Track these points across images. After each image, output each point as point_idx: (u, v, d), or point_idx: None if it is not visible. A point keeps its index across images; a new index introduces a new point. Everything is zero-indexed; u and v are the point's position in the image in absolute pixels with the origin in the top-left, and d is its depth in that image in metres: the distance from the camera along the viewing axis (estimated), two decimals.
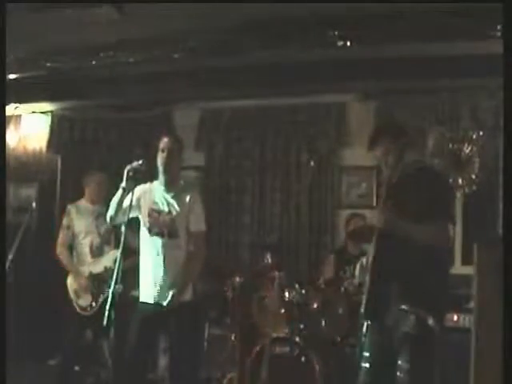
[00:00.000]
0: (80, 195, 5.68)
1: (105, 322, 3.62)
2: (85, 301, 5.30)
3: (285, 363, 4.91)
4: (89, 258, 5.39)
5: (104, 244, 5.41)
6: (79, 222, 5.44)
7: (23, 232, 5.04)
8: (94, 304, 5.26)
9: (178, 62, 5.61)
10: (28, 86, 6.08)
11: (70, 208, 5.53)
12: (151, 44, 5.55)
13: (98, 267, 5.33)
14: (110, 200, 4.38)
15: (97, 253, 5.39)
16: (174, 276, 4.25)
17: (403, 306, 3.29)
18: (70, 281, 5.38)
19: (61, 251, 5.44)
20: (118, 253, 4.87)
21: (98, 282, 5.30)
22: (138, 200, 4.33)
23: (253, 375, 4.97)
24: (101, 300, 5.21)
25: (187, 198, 4.32)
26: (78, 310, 5.32)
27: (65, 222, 5.49)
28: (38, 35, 5.26)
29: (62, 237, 5.48)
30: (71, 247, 5.46)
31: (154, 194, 4.38)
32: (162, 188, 4.36)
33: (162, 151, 4.29)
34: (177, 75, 6.07)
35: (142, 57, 5.64)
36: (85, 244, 5.40)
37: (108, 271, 5.20)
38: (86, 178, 5.64)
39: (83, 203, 5.56)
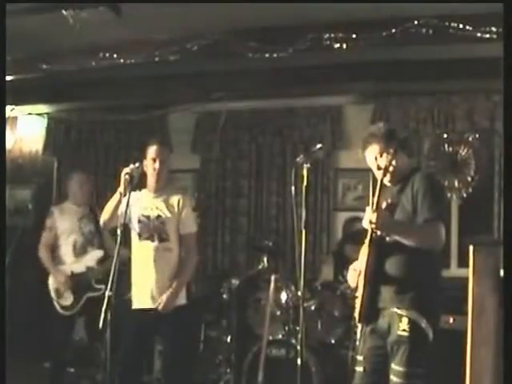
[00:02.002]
0: (64, 198, 5.71)
1: (100, 325, 3.62)
2: (66, 300, 5.30)
3: (281, 366, 4.91)
4: (71, 258, 5.39)
5: (87, 244, 5.41)
6: (63, 222, 5.44)
7: (19, 234, 5.05)
8: (75, 304, 5.27)
9: (175, 64, 5.61)
10: (24, 87, 6.07)
11: (53, 209, 5.55)
12: (148, 46, 5.55)
13: (79, 267, 5.33)
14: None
15: (80, 252, 5.39)
16: (167, 279, 4.25)
17: (396, 309, 3.29)
18: (50, 280, 5.38)
19: (41, 252, 5.44)
20: (100, 254, 5.22)
21: (79, 281, 5.29)
22: (130, 206, 4.33)
23: (249, 377, 4.97)
24: (83, 299, 5.23)
25: (176, 202, 4.34)
26: (58, 309, 5.32)
27: (47, 223, 5.50)
28: (34, 37, 5.26)
29: (43, 238, 5.48)
30: (53, 248, 5.46)
31: (144, 199, 4.39)
32: (152, 194, 4.38)
33: (153, 160, 4.30)
34: (173, 77, 6.07)
35: (139, 59, 5.64)
36: (68, 243, 5.40)
37: (89, 271, 5.28)
38: (69, 179, 5.65)
39: (67, 205, 5.58)
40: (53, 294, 5.35)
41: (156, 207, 4.33)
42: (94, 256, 5.34)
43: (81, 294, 5.27)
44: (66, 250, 5.41)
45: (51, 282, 5.38)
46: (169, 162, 4.44)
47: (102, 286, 5.06)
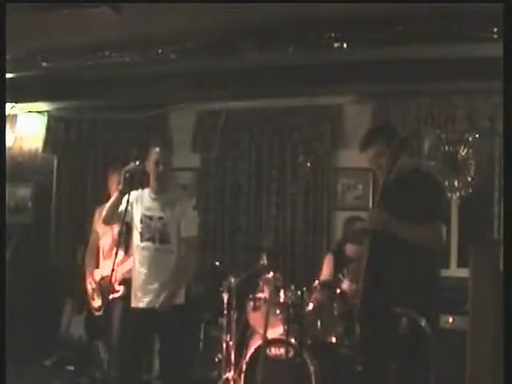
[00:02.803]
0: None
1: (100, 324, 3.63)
2: (96, 303, 5.29)
3: (280, 365, 4.91)
4: (103, 260, 5.38)
5: (115, 246, 5.37)
6: (99, 223, 5.43)
7: (19, 232, 5.05)
8: (102, 305, 5.23)
9: (175, 62, 5.62)
10: (24, 85, 6.08)
11: (96, 211, 5.51)
12: (148, 45, 5.55)
13: (106, 270, 5.30)
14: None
15: (108, 255, 5.37)
16: (166, 280, 4.25)
17: (396, 308, 3.29)
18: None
19: (86, 255, 5.45)
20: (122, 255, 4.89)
21: (106, 283, 5.27)
22: (131, 206, 4.34)
23: (248, 376, 4.97)
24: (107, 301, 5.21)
25: (179, 204, 4.34)
26: (93, 311, 5.32)
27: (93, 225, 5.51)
28: (34, 35, 5.25)
29: (89, 241, 5.49)
30: (97, 250, 5.46)
31: (146, 199, 4.40)
32: (154, 195, 4.38)
33: (156, 162, 4.30)
34: (173, 76, 6.07)
35: (139, 57, 5.64)
36: (102, 246, 5.40)
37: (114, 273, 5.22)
38: (110, 174, 5.58)
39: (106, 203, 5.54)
40: (89, 297, 5.35)
41: (158, 208, 4.34)
42: (118, 258, 5.26)
43: (106, 295, 5.24)
44: (100, 252, 5.41)
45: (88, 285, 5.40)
46: (171, 163, 4.45)
47: (122, 287, 5.04)
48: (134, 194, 4.34)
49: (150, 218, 4.34)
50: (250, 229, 6.69)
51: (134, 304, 4.38)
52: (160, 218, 4.32)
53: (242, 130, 6.78)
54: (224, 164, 6.85)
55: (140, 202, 4.39)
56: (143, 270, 4.32)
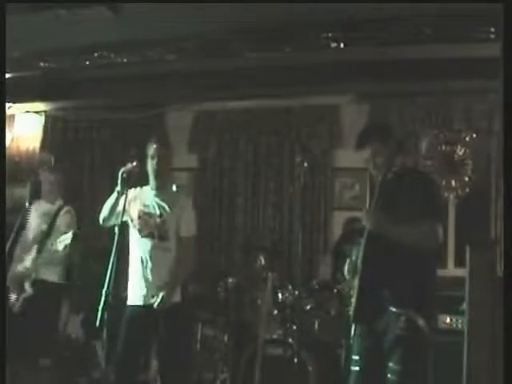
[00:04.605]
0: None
1: (97, 323, 3.61)
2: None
3: (277, 365, 4.90)
4: None
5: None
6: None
7: (16, 232, 5.03)
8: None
9: (172, 63, 5.62)
10: (22, 85, 6.07)
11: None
12: (145, 45, 5.55)
13: None
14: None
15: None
16: (163, 278, 4.24)
17: (393, 308, 3.29)
18: None
19: None
20: None
21: None
22: (129, 203, 4.32)
23: (245, 377, 4.97)
24: None
25: (178, 203, 4.33)
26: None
27: None
28: (32, 35, 5.25)
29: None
30: None
31: (145, 197, 4.39)
32: (153, 192, 4.37)
33: (152, 158, 4.30)
34: (170, 76, 6.07)
35: (136, 58, 5.64)
36: None
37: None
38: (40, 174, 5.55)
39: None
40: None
41: (157, 205, 4.33)
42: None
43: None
44: None
45: None
46: (170, 159, 4.45)
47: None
48: (131, 191, 4.33)
49: (149, 214, 4.32)
50: (247, 229, 6.69)
51: (130, 302, 4.37)
52: (159, 215, 4.31)
53: (239, 129, 6.78)
54: (221, 164, 6.85)
55: (138, 199, 4.38)
56: (140, 268, 4.31)
